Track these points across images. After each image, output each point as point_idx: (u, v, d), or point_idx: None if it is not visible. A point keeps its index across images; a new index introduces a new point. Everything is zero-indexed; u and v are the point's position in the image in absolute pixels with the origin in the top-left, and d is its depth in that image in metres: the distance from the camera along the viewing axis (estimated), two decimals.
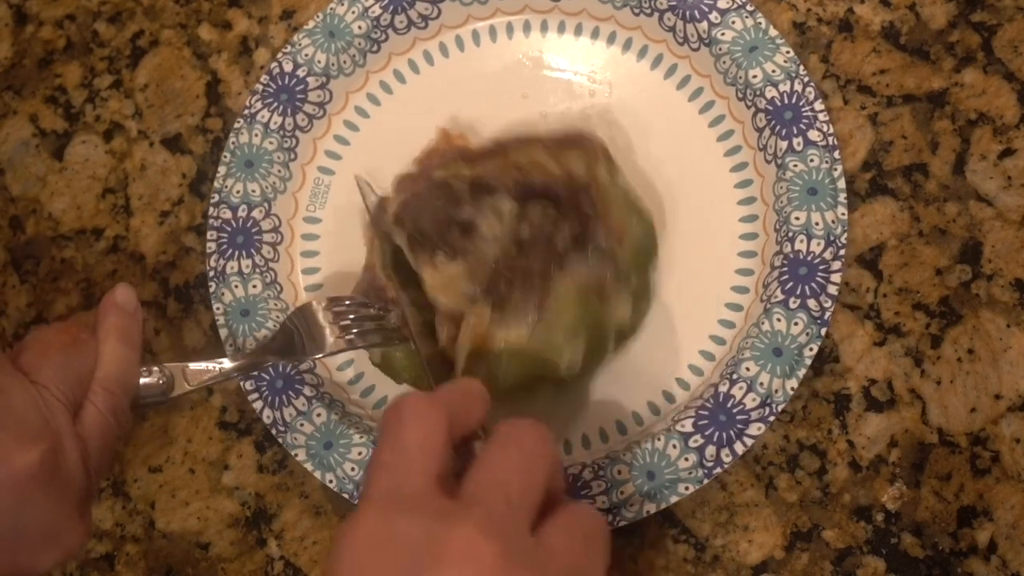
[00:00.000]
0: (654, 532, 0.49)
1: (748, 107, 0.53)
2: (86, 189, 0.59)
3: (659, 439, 0.48)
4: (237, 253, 0.54)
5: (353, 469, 0.49)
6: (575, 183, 0.47)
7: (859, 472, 0.49)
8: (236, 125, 0.56)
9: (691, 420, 0.48)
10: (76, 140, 0.60)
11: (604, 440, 0.50)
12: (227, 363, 0.46)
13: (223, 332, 0.52)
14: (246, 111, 0.56)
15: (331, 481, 0.49)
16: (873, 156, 0.53)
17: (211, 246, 0.54)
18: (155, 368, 0.43)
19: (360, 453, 0.49)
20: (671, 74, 0.56)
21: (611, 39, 0.57)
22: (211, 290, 0.53)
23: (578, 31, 0.57)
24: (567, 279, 0.45)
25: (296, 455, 0.50)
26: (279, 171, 0.55)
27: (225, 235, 0.54)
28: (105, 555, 0.53)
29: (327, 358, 0.53)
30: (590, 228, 0.46)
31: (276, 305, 0.53)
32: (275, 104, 0.56)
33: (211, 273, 0.53)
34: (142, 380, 0.42)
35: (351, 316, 0.48)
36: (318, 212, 0.56)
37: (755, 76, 0.53)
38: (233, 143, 0.55)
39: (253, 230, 0.54)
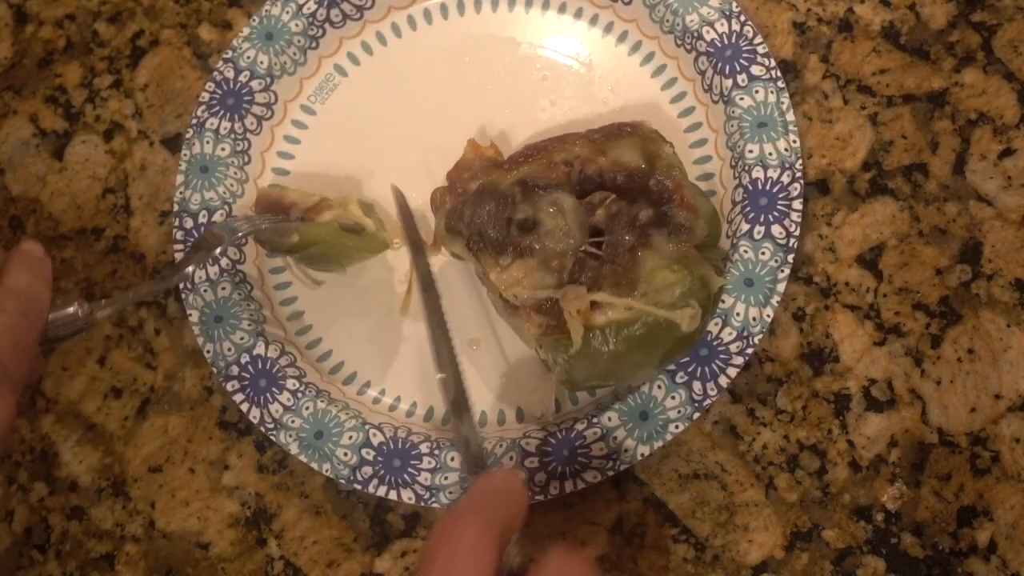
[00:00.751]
0: (654, 533, 0.49)
1: (688, 51, 0.54)
2: (86, 189, 0.59)
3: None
4: (222, 113, 0.56)
5: (346, 455, 0.49)
6: (633, 170, 0.47)
7: (859, 472, 0.49)
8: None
9: None
10: (76, 140, 0.60)
11: (592, 394, 0.51)
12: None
13: (179, 179, 0.55)
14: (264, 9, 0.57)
15: (327, 469, 0.49)
16: (873, 156, 0.53)
17: (202, 100, 0.56)
18: (74, 303, 0.44)
19: (351, 438, 0.50)
20: (609, 31, 0.56)
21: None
22: (185, 137, 0.56)
23: None
24: (655, 255, 0.46)
25: (289, 449, 0.50)
26: (294, 54, 0.57)
27: (217, 96, 0.56)
28: (105, 555, 0.53)
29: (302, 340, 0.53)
30: (666, 207, 0.47)
31: (236, 175, 0.55)
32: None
33: (190, 131, 0.56)
34: (65, 310, 0.43)
35: (246, 221, 0.49)
36: (317, 105, 0.58)
37: (692, 20, 0.54)
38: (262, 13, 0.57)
39: (246, 97, 0.56)
